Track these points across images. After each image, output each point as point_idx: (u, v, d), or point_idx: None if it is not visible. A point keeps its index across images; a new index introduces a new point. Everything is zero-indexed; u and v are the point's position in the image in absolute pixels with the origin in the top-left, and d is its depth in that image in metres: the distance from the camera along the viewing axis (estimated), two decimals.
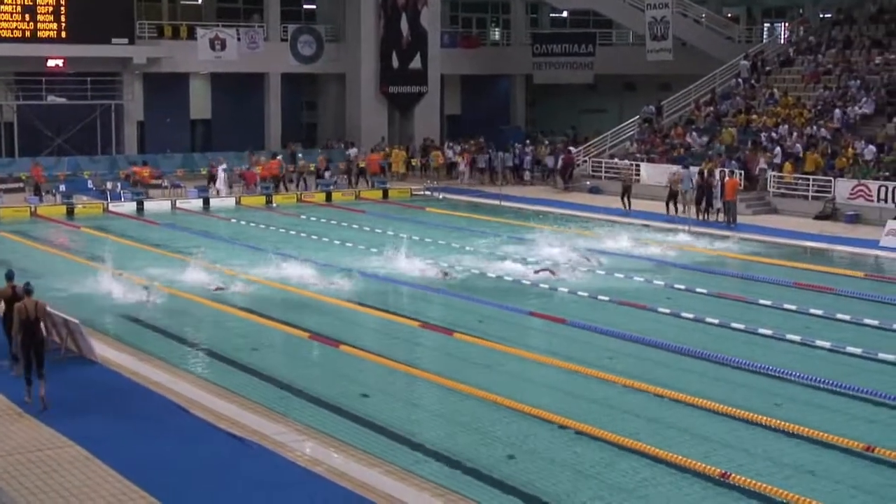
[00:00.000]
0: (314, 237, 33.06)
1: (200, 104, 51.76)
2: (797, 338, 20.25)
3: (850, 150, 38.09)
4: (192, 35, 47.37)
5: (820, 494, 12.72)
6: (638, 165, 42.13)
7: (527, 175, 46.64)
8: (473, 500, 12.53)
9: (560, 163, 44.56)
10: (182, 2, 52.18)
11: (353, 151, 46.71)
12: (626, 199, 38.53)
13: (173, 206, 39.70)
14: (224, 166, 41.91)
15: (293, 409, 15.92)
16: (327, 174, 43.54)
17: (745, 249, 31.01)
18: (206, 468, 13.53)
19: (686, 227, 33.78)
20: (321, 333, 20.29)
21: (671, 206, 37.15)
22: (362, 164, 45.43)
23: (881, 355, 19.00)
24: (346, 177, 44.68)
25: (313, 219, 37.24)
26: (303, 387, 17.12)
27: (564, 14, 59.97)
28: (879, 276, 27.09)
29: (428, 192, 43.54)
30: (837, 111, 41.16)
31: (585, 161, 45.69)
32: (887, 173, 36.10)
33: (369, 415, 15.77)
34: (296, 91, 53.04)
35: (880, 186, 35.16)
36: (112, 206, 38.77)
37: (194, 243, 31.19)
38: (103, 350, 18.73)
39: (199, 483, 13.03)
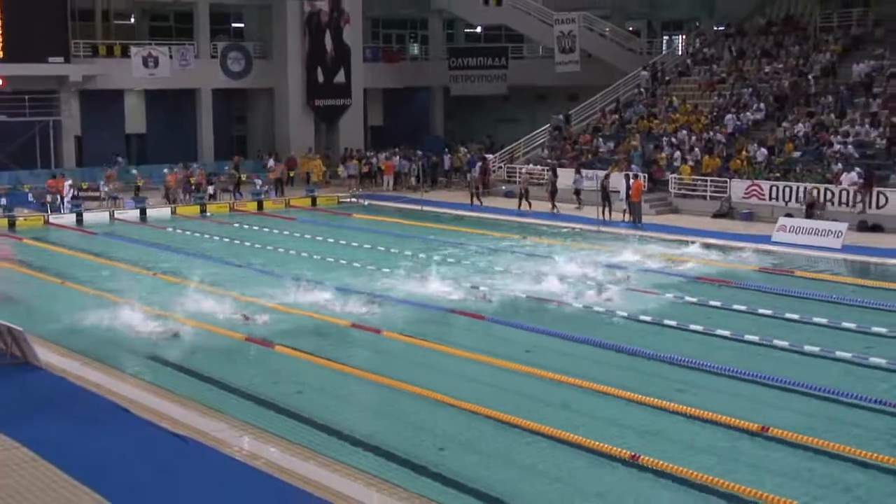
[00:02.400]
0: (247, 244, 32.88)
1: (135, 119, 51.14)
2: (699, 328, 20.57)
3: (743, 152, 38.73)
4: (125, 53, 46.72)
5: (719, 473, 12.95)
6: (548, 170, 42.40)
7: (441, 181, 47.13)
8: (405, 489, 12.56)
9: (477, 169, 44.75)
10: (115, 21, 51.52)
11: (270, 162, 46.57)
12: (525, 202, 39.47)
13: (111, 217, 39.19)
14: (70, 181, 40.52)
15: (231, 407, 15.83)
16: (210, 188, 42.61)
17: (648, 247, 31.41)
18: (150, 465, 13.40)
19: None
20: (256, 336, 20.16)
21: (524, 202, 39.13)
22: (276, 176, 45.23)
23: (775, 342, 19.39)
24: (272, 186, 44.42)
25: (246, 226, 37.02)
26: (239, 385, 17.04)
27: (479, 29, 60.19)
28: (773, 269, 27.53)
29: (354, 200, 43.53)
30: (731, 117, 41.84)
31: (501, 167, 45.95)
32: (778, 174, 36.77)
33: (304, 410, 15.73)
34: (226, 105, 52.59)
35: (772, 186, 35.83)
36: (52, 219, 38.16)
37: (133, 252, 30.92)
38: (46, 356, 18.46)
39: (143, 480, 12.91)
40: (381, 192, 45.42)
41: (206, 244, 33.13)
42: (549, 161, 43.51)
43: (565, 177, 41.04)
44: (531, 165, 41.79)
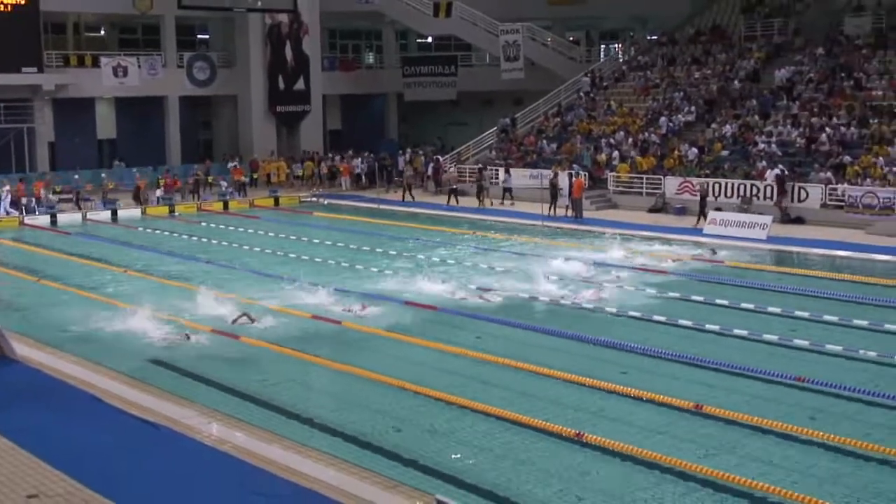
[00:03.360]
0: (214, 241, 32.63)
1: (106, 125, 50.61)
2: (637, 314, 20.65)
3: (676, 152, 38.97)
4: (96, 63, 46.19)
5: (658, 447, 13.02)
6: (496, 170, 42.52)
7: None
8: (363, 467, 12.48)
9: (431, 170, 44.76)
10: (86, 34, 51.02)
11: (232, 164, 46.29)
12: (453, 198, 40.34)
13: (84, 218, 38.69)
14: (7, 187, 39.45)
15: (200, 395, 15.65)
16: (159, 191, 41.85)
17: (586, 239, 31.52)
18: (123, 451, 13.21)
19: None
20: (228, 330, 19.96)
21: (452, 198, 40.51)
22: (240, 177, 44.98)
23: (707, 326, 19.51)
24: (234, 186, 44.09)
25: (213, 225, 36.72)
26: (207, 374, 16.86)
27: (430, 39, 60.08)
28: (704, 259, 27.68)
29: (314, 199, 43.37)
30: (664, 119, 42.07)
31: (452, 167, 45.90)
32: (707, 171, 37.03)
33: (269, 397, 15.59)
34: (193, 112, 52.14)
35: (702, 182, 36.03)
36: (27, 220, 37.61)
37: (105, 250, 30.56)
38: (23, 350, 18.17)
39: (117, 465, 12.72)
40: (340, 192, 45.26)
41: (175, 242, 32.82)
42: (482, 162, 44.12)
43: (510, 176, 41.37)
44: (480, 165, 42.26)
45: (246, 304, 21.56)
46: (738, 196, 34.54)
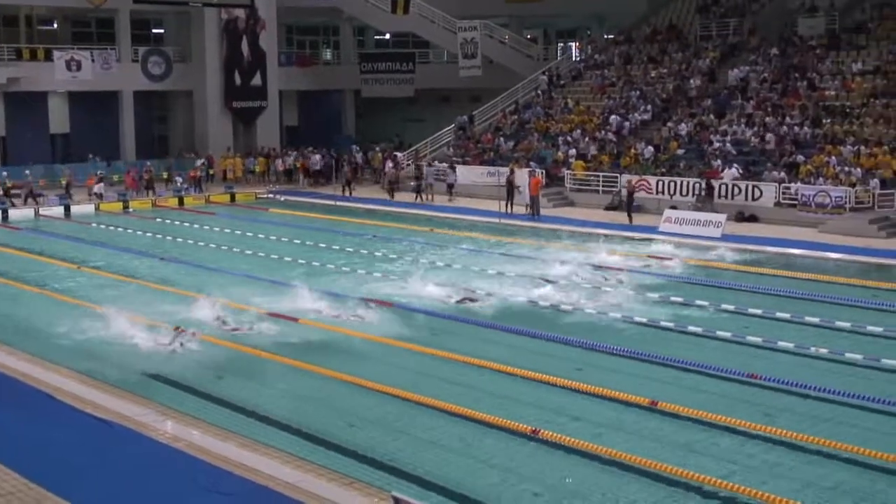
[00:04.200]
0: (168, 238, 32.40)
1: (59, 120, 50.01)
2: (592, 311, 20.75)
3: (632, 150, 39.23)
4: (49, 57, 45.65)
5: (614, 443, 13.11)
6: (453, 167, 42.59)
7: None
8: (318, 464, 12.46)
9: (388, 166, 44.70)
10: (39, 27, 50.37)
11: (200, 162, 46.10)
12: (419, 193, 40.78)
13: (36, 213, 38.24)
14: None
15: (155, 393, 15.53)
16: (97, 187, 41.21)
17: (541, 235, 31.65)
18: (75, 449, 13.09)
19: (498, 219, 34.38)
20: (178, 323, 19.82)
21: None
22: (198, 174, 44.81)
23: (662, 323, 19.67)
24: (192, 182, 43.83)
25: (168, 222, 36.45)
26: (162, 372, 16.73)
27: (388, 36, 59.96)
28: (659, 255, 27.87)
29: (271, 195, 43.20)
30: (617, 117, 42.30)
31: (409, 164, 45.89)
32: (663, 169, 37.31)
33: (225, 395, 15.52)
34: (148, 107, 51.71)
35: (658, 181, 36.32)
36: None
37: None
38: None
39: (70, 463, 12.61)
40: (297, 189, 45.09)
41: (129, 239, 32.51)
42: (433, 158, 44.92)
43: (468, 173, 41.55)
44: (420, 162, 42.95)
45: (199, 300, 21.42)
46: (694, 194, 34.83)
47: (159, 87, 49.54)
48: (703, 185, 34.44)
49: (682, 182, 35.63)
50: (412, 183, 41.47)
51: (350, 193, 42.24)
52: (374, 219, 36.38)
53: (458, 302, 21.75)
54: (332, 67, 58.13)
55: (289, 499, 11.36)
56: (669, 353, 17.41)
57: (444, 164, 42.94)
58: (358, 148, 49.67)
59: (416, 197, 40.54)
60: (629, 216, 34.10)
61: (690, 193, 34.97)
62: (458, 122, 48.69)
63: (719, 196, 34.31)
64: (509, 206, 36.72)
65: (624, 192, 35.34)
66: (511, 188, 37.02)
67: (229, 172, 46.81)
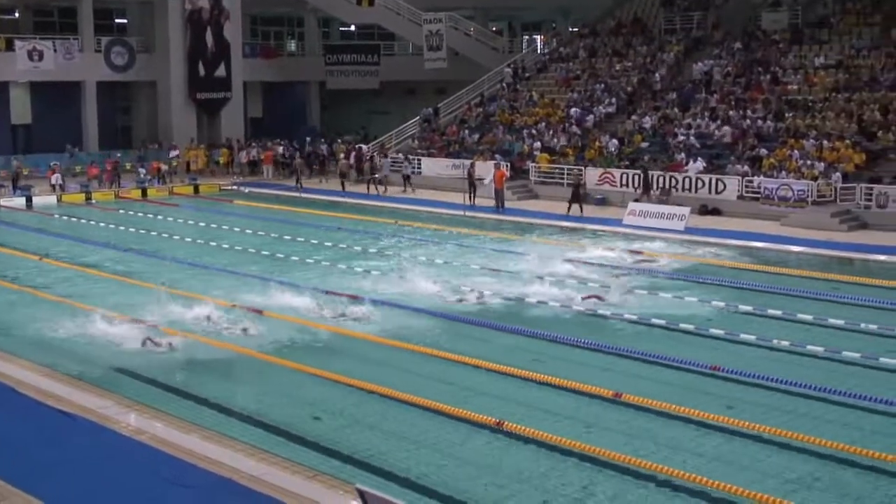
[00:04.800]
0: (132, 229, 32.15)
1: (21, 110, 49.31)
2: (557, 304, 20.79)
3: (596, 143, 39.35)
4: (10, 47, 45.06)
5: (578, 435, 13.16)
6: (408, 158, 42.98)
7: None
8: (282, 456, 12.42)
9: (353, 158, 44.59)
10: (0, 16, 49.76)
11: (174, 153, 45.98)
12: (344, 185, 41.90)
13: None
14: None
15: (119, 386, 15.39)
16: (55, 177, 40.95)
17: (506, 228, 31.71)
18: (39, 442, 12.96)
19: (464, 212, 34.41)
20: (138, 317, 19.66)
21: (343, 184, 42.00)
22: (173, 165, 44.65)
23: (626, 315, 19.74)
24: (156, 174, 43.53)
25: (131, 213, 36.16)
26: (126, 365, 16.59)
27: (353, 28, 59.82)
28: (624, 249, 27.97)
29: (234, 187, 42.99)
30: (577, 110, 42.39)
31: (374, 156, 45.73)
32: (627, 163, 37.46)
33: (187, 387, 15.42)
34: (111, 97, 51.17)
35: (622, 174, 36.47)
36: None
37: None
38: None
39: (32, 456, 12.48)
40: (262, 181, 44.88)
41: (92, 230, 32.26)
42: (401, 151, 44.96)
43: (433, 165, 41.59)
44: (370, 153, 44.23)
45: (165, 293, 21.26)
46: (658, 187, 34.99)
47: (122, 77, 49.02)
48: (640, 178, 35.02)
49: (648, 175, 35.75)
50: (373, 175, 41.47)
51: (301, 185, 42.15)
52: (338, 211, 36.30)
53: (416, 292, 21.74)
54: (297, 59, 57.88)
55: (252, 491, 11.31)
56: (634, 346, 17.50)
57: (400, 155, 43.40)
58: (323, 140, 49.50)
59: (369, 188, 40.85)
60: (577, 207, 34.27)
61: (655, 186, 35.13)
62: (424, 114, 48.63)
63: (683, 189, 34.52)
64: (471, 198, 36.77)
65: (580, 183, 35.62)
66: (472, 180, 37.09)
67: (192, 164, 46.48)
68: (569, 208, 34.16)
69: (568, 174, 37.68)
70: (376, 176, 41.35)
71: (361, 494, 8.12)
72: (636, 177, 35.87)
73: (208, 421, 13.81)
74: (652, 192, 34.56)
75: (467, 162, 38.84)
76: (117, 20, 52.90)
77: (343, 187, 41.67)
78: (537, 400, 14.92)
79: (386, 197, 39.53)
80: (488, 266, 24.99)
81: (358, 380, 15.55)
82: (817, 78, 38.10)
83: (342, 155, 44.42)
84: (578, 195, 34.48)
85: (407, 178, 41.14)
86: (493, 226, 32.66)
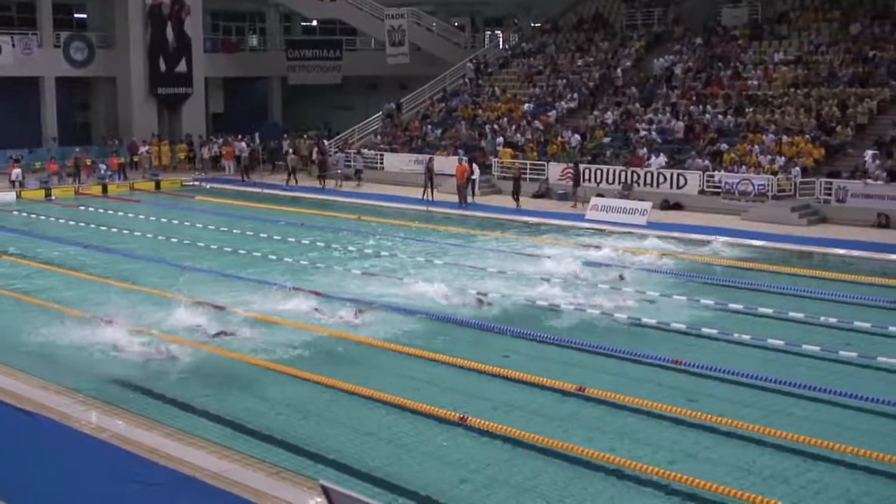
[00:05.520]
0: (92, 226, 31.84)
1: None
2: (522, 300, 20.79)
3: (559, 138, 39.45)
4: None
5: (542, 429, 13.16)
6: (360, 152, 43.51)
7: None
8: (245, 453, 12.34)
9: (316, 154, 44.43)
10: None
11: (144, 150, 45.72)
12: (293, 177, 42.21)
13: None
14: None
15: (78, 383, 15.21)
16: (15, 171, 40.88)
17: (471, 224, 31.73)
18: None
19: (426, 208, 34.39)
20: (107, 314, 19.46)
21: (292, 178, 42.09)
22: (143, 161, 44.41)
23: (588, 311, 19.77)
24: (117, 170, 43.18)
25: (91, 209, 35.81)
26: (84, 361, 16.41)
27: (314, 23, 59.59)
28: (587, 245, 28.08)
29: (196, 183, 42.72)
30: (529, 105, 42.49)
31: (337, 152, 45.62)
32: (589, 157, 37.59)
33: (150, 384, 15.26)
34: (70, 93, 50.65)
35: (584, 169, 36.58)
36: None
37: None
38: None
39: None
40: (224, 176, 44.62)
41: (51, 227, 31.92)
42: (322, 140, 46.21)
43: (396, 161, 41.58)
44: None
45: (122, 289, 21.10)
46: (620, 182, 35.15)
47: (82, 73, 48.58)
48: (571, 172, 35.77)
49: (608, 170, 35.94)
50: (340, 172, 41.62)
51: (246, 178, 42.44)
52: (301, 206, 36.17)
53: (377, 286, 21.71)
54: (259, 54, 57.60)
55: (215, 489, 11.23)
56: (596, 341, 17.55)
57: (350, 151, 43.83)
58: (286, 135, 49.29)
59: (322, 182, 41.25)
60: (515, 200, 35.14)
61: (616, 181, 35.30)
62: (386, 109, 48.58)
63: (645, 184, 34.70)
64: (430, 192, 36.81)
65: (519, 176, 36.23)
66: (431, 175, 37.17)
67: (154, 160, 46.12)
68: (431, 193, 35.83)
69: (532, 169, 37.78)
70: (338, 172, 41.36)
71: (325, 491, 8.08)
72: (598, 172, 36.01)
73: (170, 418, 13.69)
74: (581, 187, 35.13)
75: (427, 157, 38.89)
76: (76, 15, 52.26)
77: (295, 181, 41.71)
78: (501, 394, 14.91)
79: (342, 192, 39.50)
80: (450, 262, 24.97)
81: (320, 375, 15.45)
82: (777, 73, 38.43)
83: (291, 150, 44.34)
84: (518, 188, 35.17)
85: (358, 173, 41.60)
86: (456, 221, 32.64)
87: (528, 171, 37.98)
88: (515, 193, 35.14)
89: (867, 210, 30.42)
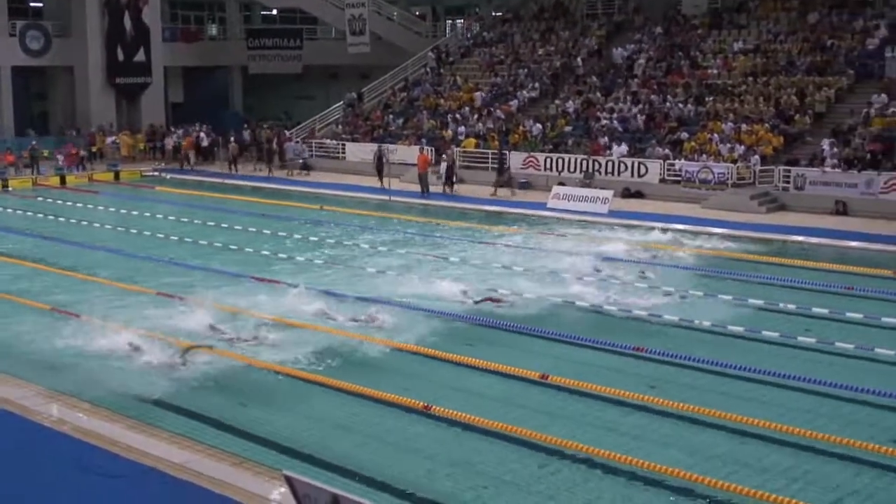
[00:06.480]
0: (50, 217, 31.55)
1: None
2: (483, 287, 20.81)
3: (520, 127, 39.54)
4: None
5: (505, 417, 13.22)
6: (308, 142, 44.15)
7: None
8: (208, 444, 12.32)
9: (276, 144, 44.24)
10: None
11: (111, 140, 45.35)
12: (232, 166, 42.81)
13: None
14: None
15: (38, 376, 15.07)
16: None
17: (435, 213, 31.75)
18: None
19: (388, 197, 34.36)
20: (64, 306, 19.30)
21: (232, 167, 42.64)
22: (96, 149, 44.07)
23: (551, 299, 19.82)
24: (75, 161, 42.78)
25: (49, 201, 35.46)
26: (43, 354, 16.28)
27: (274, 11, 59.22)
28: (547, 232, 28.19)
29: (156, 173, 42.41)
30: (479, 94, 42.57)
31: (298, 141, 45.48)
32: (551, 147, 37.72)
33: (111, 375, 15.13)
34: (26, 82, 50.08)
35: (546, 158, 36.74)
36: None
37: None
38: None
39: None
40: (184, 167, 44.27)
41: (7, 218, 31.57)
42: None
43: (357, 150, 41.53)
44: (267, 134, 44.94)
45: (81, 280, 20.93)
46: (581, 171, 35.30)
47: (38, 62, 48.01)
48: (498, 159, 36.28)
49: (569, 159, 36.09)
50: (294, 160, 42.02)
51: (235, 170, 42.17)
52: (262, 196, 36.02)
53: (336, 274, 21.69)
54: (218, 43, 57.19)
55: (179, 480, 11.20)
56: (558, 328, 17.63)
57: (298, 141, 44.19)
58: (246, 125, 49.01)
59: (268, 171, 41.66)
60: (445, 187, 35.81)
61: (578, 170, 35.45)
62: (347, 98, 48.45)
63: (606, 173, 34.88)
64: (383, 181, 36.91)
65: (452, 163, 36.74)
66: (381, 165, 37.27)
67: (118, 150, 45.75)
68: (450, 188, 35.81)
69: (492, 159, 37.79)
70: (300, 161, 41.40)
71: (289, 480, 8.09)
72: (559, 161, 36.16)
73: (132, 410, 13.60)
74: (505, 174, 35.67)
75: (392, 147, 38.89)
76: (32, 4, 51.59)
77: (236, 169, 41.86)
78: (465, 383, 14.96)
79: (301, 181, 39.69)
80: (413, 252, 24.98)
81: (283, 366, 15.42)
82: (736, 62, 38.71)
83: (232, 139, 44.16)
84: (450, 176, 35.70)
85: (304, 162, 42.13)
86: (417, 210, 32.65)
87: (489, 161, 38.01)
88: (449, 180, 35.83)
89: (825, 197, 30.76)
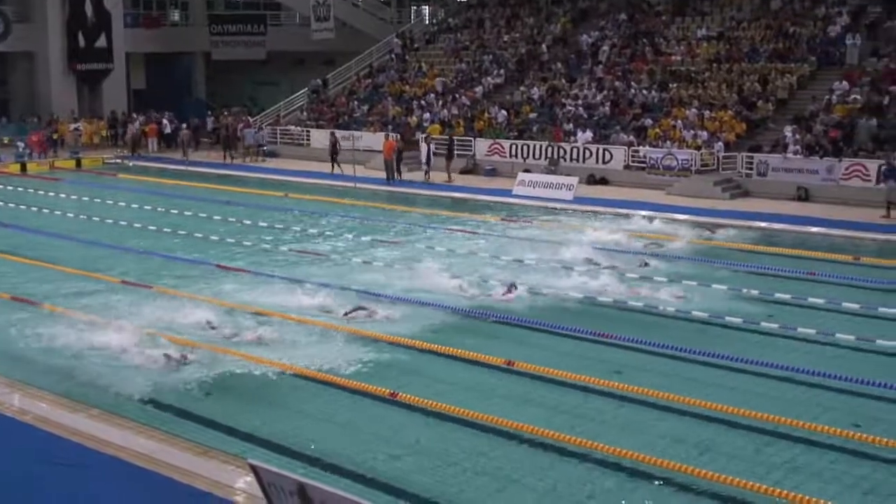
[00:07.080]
0: (11, 205, 31.20)
1: None
2: (446, 273, 20.72)
3: (486, 114, 39.53)
4: None
5: (470, 403, 13.24)
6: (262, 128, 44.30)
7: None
8: (173, 433, 12.24)
9: (241, 131, 43.95)
10: None
11: (74, 127, 45.06)
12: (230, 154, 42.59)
13: None
14: None
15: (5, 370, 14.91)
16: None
17: (401, 199, 31.72)
18: None
19: (353, 184, 34.28)
20: (26, 295, 19.11)
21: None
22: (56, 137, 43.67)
23: (520, 286, 19.82)
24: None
25: (10, 188, 35.05)
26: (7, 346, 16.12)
27: None
28: (510, 218, 28.23)
29: (119, 161, 42.06)
30: (440, 80, 42.50)
31: (260, 128, 45.22)
32: (516, 133, 37.75)
33: (75, 365, 14.99)
34: None
35: (511, 144, 36.77)
36: None
37: None
38: None
39: None
40: (147, 154, 43.94)
41: None
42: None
43: (322, 137, 41.39)
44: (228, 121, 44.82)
45: (50, 269, 20.72)
46: (546, 157, 35.37)
47: None
48: (446, 147, 36.40)
49: (534, 146, 36.14)
50: (252, 146, 42.25)
51: (186, 157, 41.65)
52: (226, 184, 35.81)
53: (305, 259, 21.64)
54: (181, 29, 56.68)
55: (143, 469, 11.12)
56: (524, 315, 17.66)
57: (255, 128, 43.91)
58: (210, 112, 48.69)
59: (226, 158, 41.75)
60: (333, 167, 37.19)
61: (543, 157, 35.51)
62: (312, 85, 48.24)
63: (571, 159, 34.96)
64: (335, 167, 37.29)
65: (335, 142, 37.99)
66: (334, 150, 37.63)
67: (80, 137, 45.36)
68: (332, 168, 37.00)
69: (460, 145, 37.74)
70: (262, 147, 41.38)
71: (254, 469, 8.07)
72: (525, 147, 36.20)
73: (95, 399, 13.48)
74: (454, 161, 36.04)
75: (357, 133, 38.77)
76: None
77: (186, 156, 41.22)
78: (431, 370, 14.97)
79: (261, 167, 39.66)
80: (378, 238, 24.94)
81: (249, 354, 15.34)
82: (699, 49, 38.88)
83: (185, 126, 44.00)
84: (334, 157, 37.06)
85: (260, 147, 42.40)
86: (383, 197, 32.59)
87: (455, 147, 37.94)
88: (332, 160, 37.17)
89: (787, 184, 31.00)
